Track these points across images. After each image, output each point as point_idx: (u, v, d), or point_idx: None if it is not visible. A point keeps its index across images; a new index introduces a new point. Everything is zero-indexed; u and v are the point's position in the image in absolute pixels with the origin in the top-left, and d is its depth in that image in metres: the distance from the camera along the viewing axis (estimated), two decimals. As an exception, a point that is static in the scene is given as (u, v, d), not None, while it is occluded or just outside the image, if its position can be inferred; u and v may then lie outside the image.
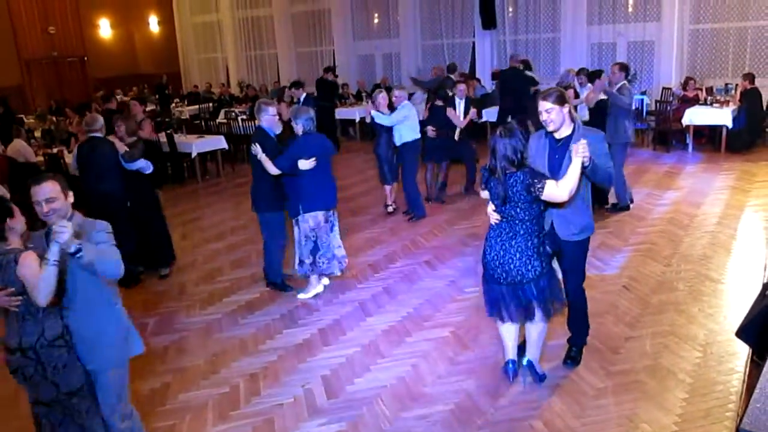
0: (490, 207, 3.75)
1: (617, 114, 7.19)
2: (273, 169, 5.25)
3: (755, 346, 2.63)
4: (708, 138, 10.94)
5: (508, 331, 3.98)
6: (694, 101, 10.68)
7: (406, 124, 7.56)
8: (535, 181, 3.48)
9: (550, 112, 3.67)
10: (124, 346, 3.21)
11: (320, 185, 5.37)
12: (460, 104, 8.22)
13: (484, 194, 3.82)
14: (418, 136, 7.68)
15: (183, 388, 4.29)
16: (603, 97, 7.31)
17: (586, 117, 7.55)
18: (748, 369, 3.52)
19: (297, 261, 5.56)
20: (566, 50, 13.36)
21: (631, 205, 7.55)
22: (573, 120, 3.77)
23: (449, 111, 8.14)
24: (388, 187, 7.97)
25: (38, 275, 2.66)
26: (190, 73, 19.83)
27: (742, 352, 4.08)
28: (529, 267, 3.64)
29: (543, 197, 3.49)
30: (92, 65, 18.40)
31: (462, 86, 8.49)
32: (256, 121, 5.76)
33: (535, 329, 3.92)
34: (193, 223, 8.35)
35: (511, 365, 4.05)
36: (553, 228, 3.88)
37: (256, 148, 5.25)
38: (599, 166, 3.60)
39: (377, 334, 4.88)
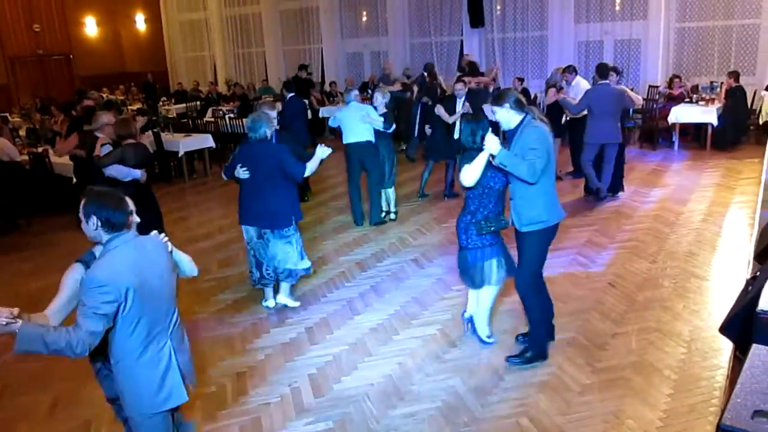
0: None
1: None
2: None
3: (738, 342, 2.65)
4: (693, 136, 11.03)
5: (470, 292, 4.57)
6: (680, 99, 10.75)
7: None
8: (464, 162, 4.05)
9: (494, 113, 4.08)
10: (153, 398, 2.70)
11: (244, 198, 5.22)
12: (459, 102, 8.19)
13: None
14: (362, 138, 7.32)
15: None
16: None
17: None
18: (731, 365, 3.54)
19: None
20: (554, 48, 13.41)
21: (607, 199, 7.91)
22: (525, 113, 4.02)
23: (437, 108, 8.15)
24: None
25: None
26: (177, 72, 19.72)
27: (726, 348, 4.12)
28: (460, 237, 4.30)
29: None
30: (78, 63, 18.26)
31: (459, 84, 8.41)
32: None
33: (479, 296, 4.47)
34: (181, 222, 8.30)
35: (463, 315, 4.70)
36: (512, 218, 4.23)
37: None
38: (514, 159, 3.82)
39: (365, 333, 4.88)
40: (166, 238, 2.83)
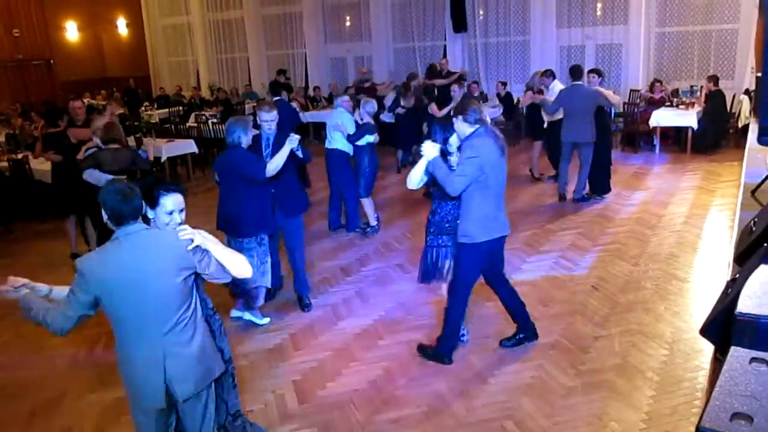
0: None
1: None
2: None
3: (718, 344, 2.66)
4: (674, 139, 11.14)
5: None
6: (661, 103, 10.86)
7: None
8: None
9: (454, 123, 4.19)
10: (131, 393, 2.82)
11: (218, 204, 5.01)
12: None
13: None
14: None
15: (151, 395, 4.21)
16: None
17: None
18: (712, 366, 3.57)
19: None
20: (536, 53, 13.51)
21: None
22: (479, 125, 4.08)
23: (431, 107, 8.29)
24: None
25: None
26: (159, 77, 19.58)
27: (707, 349, 4.16)
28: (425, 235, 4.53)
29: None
30: (58, 68, 18.06)
31: (456, 86, 8.62)
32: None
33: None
34: (163, 228, 8.22)
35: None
36: None
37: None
38: (442, 170, 4.00)
39: (349, 338, 4.86)
40: (191, 235, 2.68)
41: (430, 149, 4.03)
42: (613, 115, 10.72)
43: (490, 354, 4.45)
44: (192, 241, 2.66)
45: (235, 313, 5.21)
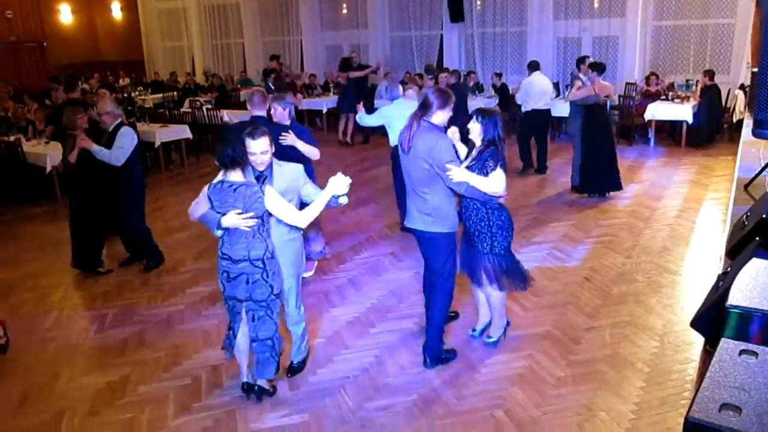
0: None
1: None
2: (317, 154, 5.30)
3: (708, 336, 2.69)
4: (669, 133, 11.18)
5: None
6: (656, 96, 10.88)
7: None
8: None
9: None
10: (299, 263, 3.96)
11: None
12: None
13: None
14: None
15: (143, 380, 4.22)
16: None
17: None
18: (702, 358, 3.61)
19: (320, 244, 5.78)
20: (533, 44, 13.49)
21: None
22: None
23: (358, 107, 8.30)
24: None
25: (286, 206, 3.52)
26: (154, 61, 19.45)
27: (697, 341, 4.19)
28: None
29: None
30: (52, 51, 17.90)
31: (385, 81, 8.65)
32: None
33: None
34: (157, 212, 8.20)
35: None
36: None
37: (291, 137, 5.03)
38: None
39: (341, 326, 4.87)
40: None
41: (454, 133, 4.13)
42: (608, 107, 10.71)
43: (481, 344, 4.47)
44: None
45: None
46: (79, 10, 18.74)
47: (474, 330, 4.59)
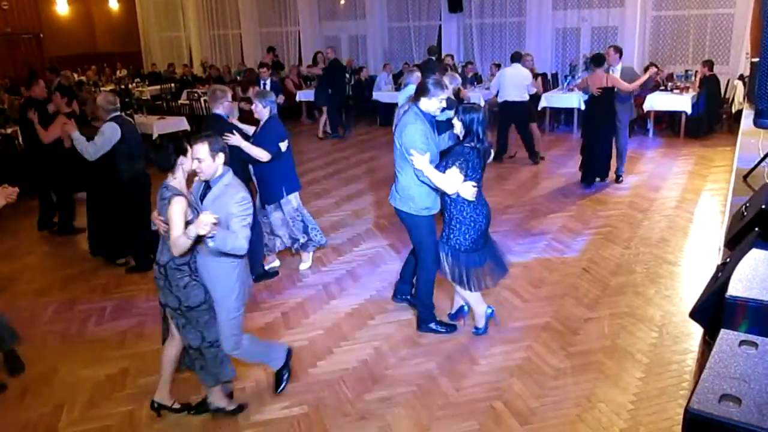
0: (470, 186, 3.97)
1: (623, 96, 7.72)
2: (264, 156, 5.03)
3: (707, 327, 2.68)
4: (668, 123, 11.16)
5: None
6: (655, 87, 10.85)
7: None
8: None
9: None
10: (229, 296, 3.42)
11: (292, 166, 5.43)
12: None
13: (461, 181, 3.95)
14: None
15: (142, 373, 4.22)
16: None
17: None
18: (701, 349, 3.61)
19: (288, 242, 5.67)
20: (531, 35, 13.44)
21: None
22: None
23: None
24: None
25: (177, 225, 3.17)
26: (151, 52, 19.34)
27: (696, 332, 4.20)
28: None
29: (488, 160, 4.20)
30: (48, 43, 17.80)
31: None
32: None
33: None
34: (154, 205, 8.18)
35: (491, 311, 4.54)
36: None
37: (236, 137, 4.92)
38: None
39: (340, 317, 4.88)
40: None
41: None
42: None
43: (481, 335, 4.47)
44: None
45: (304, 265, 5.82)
46: (76, 1, 18.61)
47: (450, 312, 4.70)
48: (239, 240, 3.16)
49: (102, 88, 14.33)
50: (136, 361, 4.39)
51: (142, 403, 3.87)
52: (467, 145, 4.00)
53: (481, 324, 4.47)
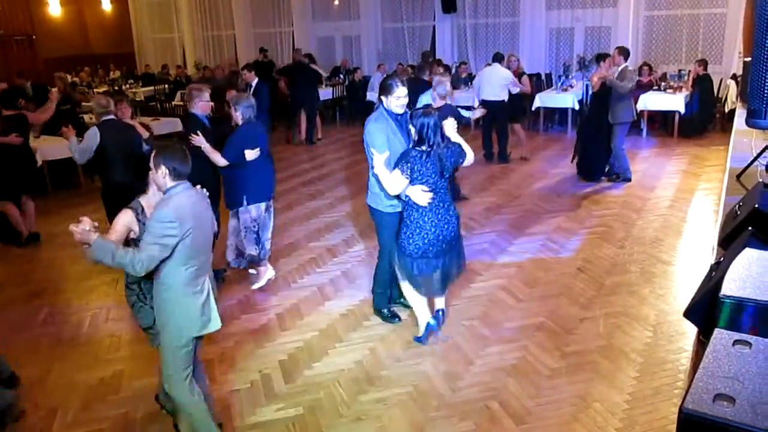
0: (419, 189, 3.94)
1: (618, 95, 7.71)
2: (220, 161, 5.00)
3: (701, 326, 2.69)
4: (661, 123, 11.19)
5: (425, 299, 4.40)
6: (648, 87, 10.88)
7: None
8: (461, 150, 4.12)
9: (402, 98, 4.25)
10: (196, 321, 3.13)
11: (263, 176, 5.22)
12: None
13: (403, 184, 3.95)
14: None
15: (136, 375, 4.20)
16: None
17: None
18: (695, 348, 3.62)
19: (233, 253, 5.42)
20: (525, 35, 13.46)
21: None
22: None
23: None
24: None
25: (111, 233, 3.08)
26: (144, 53, 19.29)
27: (690, 331, 4.20)
28: (457, 223, 4.18)
29: (465, 163, 4.18)
30: (41, 45, 17.73)
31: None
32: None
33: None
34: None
35: (433, 321, 4.42)
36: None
37: (199, 138, 4.94)
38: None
39: (335, 319, 4.87)
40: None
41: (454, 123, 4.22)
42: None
43: (476, 335, 4.47)
44: None
45: (258, 285, 5.50)
46: (68, 2, 18.53)
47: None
48: (129, 257, 2.82)
49: (95, 90, 14.34)
50: (130, 364, 4.37)
51: (137, 405, 3.86)
52: (417, 149, 3.96)
53: (419, 333, 4.42)
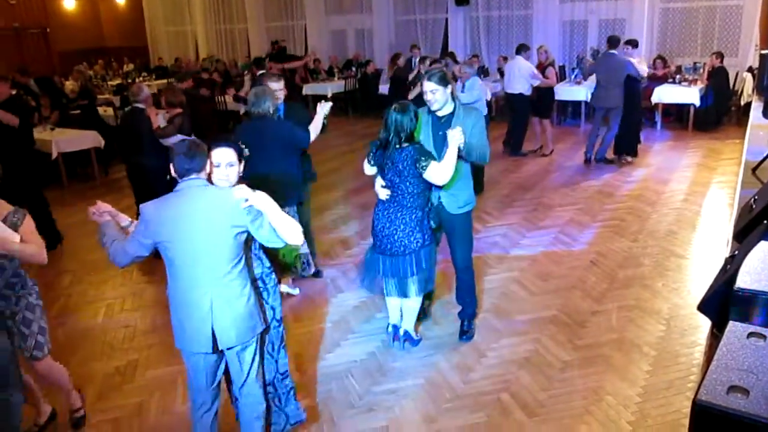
0: (379, 183, 3.90)
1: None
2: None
3: (715, 319, 2.69)
4: (676, 116, 11.10)
5: (392, 301, 4.21)
6: (663, 79, 10.79)
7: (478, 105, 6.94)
8: (422, 158, 3.66)
9: (434, 92, 3.84)
10: (179, 336, 2.92)
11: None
12: None
13: (370, 170, 3.96)
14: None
15: (151, 365, 4.26)
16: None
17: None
18: (709, 342, 3.61)
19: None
20: (539, 27, 13.36)
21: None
22: (454, 99, 3.97)
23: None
24: None
25: None
26: (158, 47, 19.37)
27: (704, 325, 4.18)
28: (412, 239, 3.85)
29: (425, 176, 3.69)
30: (55, 37, 17.84)
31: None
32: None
33: (409, 303, 4.13)
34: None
35: (392, 329, 4.31)
36: (441, 204, 4.05)
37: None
38: (474, 146, 3.83)
39: (348, 310, 4.89)
40: (247, 194, 2.71)
41: (461, 136, 3.62)
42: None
43: (488, 328, 4.48)
44: (247, 200, 2.71)
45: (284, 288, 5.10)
46: (83, -5, 18.65)
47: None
48: (112, 246, 2.88)
49: (109, 83, 14.43)
50: (144, 353, 4.42)
51: (152, 395, 3.91)
52: (378, 139, 3.86)
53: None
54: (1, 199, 3.09)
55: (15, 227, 2.97)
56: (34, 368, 3.37)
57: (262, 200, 2.74)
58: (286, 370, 3.34)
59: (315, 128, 4.90)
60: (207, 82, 11.51)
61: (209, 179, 2.84)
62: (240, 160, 2.93)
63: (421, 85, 3.96)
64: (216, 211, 2.71)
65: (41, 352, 3.29)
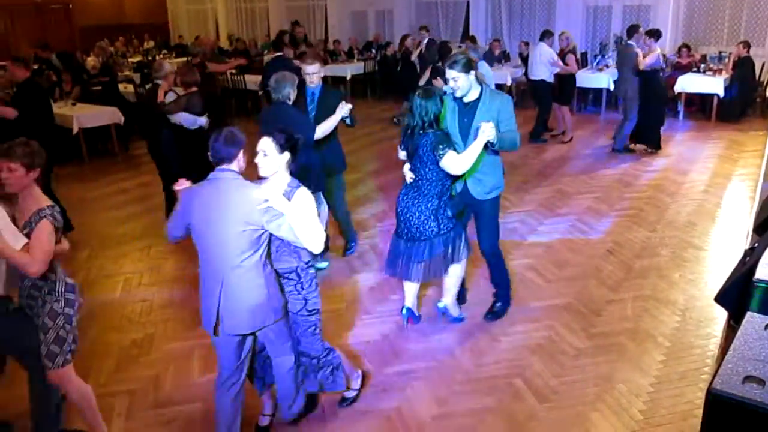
0: (406, 166, 3.92)
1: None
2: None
3: (732, 311, 2.67)
4: (699, 106, 10.93)
5: (409, 286, 4.23)
6: (687, 68, 10.62)
7: None
8: (440, 145, 3.65)
9: (456, 79, 3.78)
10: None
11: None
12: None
13: (402, 154, 3.98)
14: None
15: (167, 338, 4.32)
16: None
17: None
18: (725, 333, 3.59)
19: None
20: (562, 12, 13.18)
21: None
22: (480, 84, 3.91)
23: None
24: None
25: None
26: (178, 24, 19.40)
27: (720, 317, 4.16)
28: (427, 227, 3.86)
29: (441, 164, 3.68)
30: (77, 13, 17.93)
31: None
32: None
33: (448, 280, 4.18)
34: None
35: (406, 311, 4.30)
36: (466, 188, 4.04)
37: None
38: (505, 135, 3.79)
39: (362, 292, 4.92)
40: (267, 194, 2.79)
41: (492, 131, 3.58)
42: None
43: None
44: (267, 201, 2.77)
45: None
46: (105, -29, 18.69)
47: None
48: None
49: (130, 60, 14.49)
50: (161, 327, 4.48)
51: (167, 367, 3.97)
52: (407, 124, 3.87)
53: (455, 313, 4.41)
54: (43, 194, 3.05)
55: (30, 228, 2.89)
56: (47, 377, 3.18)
57: (284, 204, 2.80)
58: (319, 354, 3.39)
59: (323, 127, 4.65)
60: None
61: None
62: (283, 151, 2.92)
63: (443, 72, 3.94)
64: (234, 205, 2.76)
65: (51, 363, 3.06)
